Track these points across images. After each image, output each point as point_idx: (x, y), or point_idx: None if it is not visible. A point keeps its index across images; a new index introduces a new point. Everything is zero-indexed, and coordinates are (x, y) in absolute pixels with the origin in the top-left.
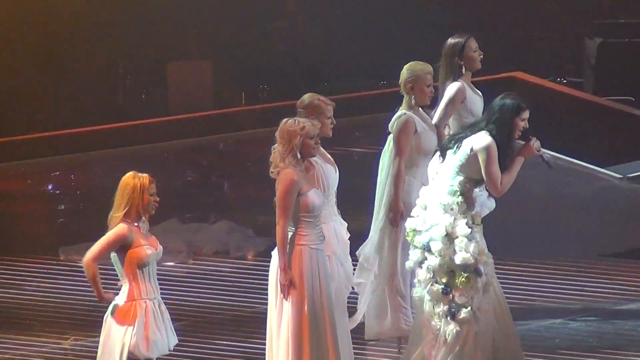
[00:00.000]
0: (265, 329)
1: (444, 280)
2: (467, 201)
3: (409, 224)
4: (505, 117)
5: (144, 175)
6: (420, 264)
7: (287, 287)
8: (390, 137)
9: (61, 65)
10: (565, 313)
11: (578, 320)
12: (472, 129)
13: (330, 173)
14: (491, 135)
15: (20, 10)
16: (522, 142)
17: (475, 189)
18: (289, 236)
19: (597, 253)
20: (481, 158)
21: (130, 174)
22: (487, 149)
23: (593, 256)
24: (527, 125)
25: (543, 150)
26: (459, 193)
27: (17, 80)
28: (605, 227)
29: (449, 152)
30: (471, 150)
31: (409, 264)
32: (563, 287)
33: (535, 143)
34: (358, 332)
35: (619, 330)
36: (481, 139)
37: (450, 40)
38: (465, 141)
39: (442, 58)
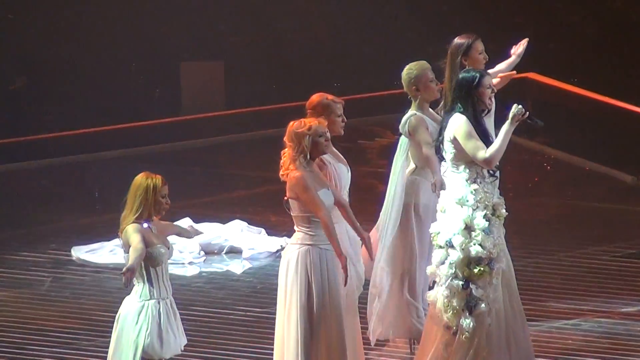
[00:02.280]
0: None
1: (465, 274)
2: (482, 187)
3: (433, 228)
4: (468, 90)
5: (157, 176)
6: (442, 263)
7: (345, 270)
8: (401, 140)
9: (73, 65)
10: (577, 314)
11: (590, 321)
12: (446, 116)
13: (343, 172)
14: (462, 113)
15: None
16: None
17: (487, 175)
18: (300, 236)
19: (609, 254)
20: (458, 137)
21: (143, 174)
22: (460, 126)
23: (605, 257)
24: (495, 91)
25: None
26: (469, 182)
27: (26, 80)
28: (617, 228)
29: (442, 151)
30: (452, 135)
31: (431, 268)
32: (574, 288)
33: (516, 109)
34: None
35: (631, 331)
36: (453, 121)
37: (457, 40)
38: (445, 132)
39: (448, 57)
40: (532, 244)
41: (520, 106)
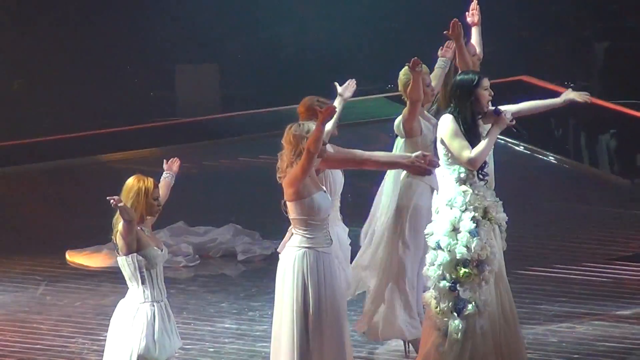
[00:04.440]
0: (271, 332)
1: (453, 276)
2: (473, 189)
3: (427, 229)
4: (468, 90)
5: (149, 178)
6: (432, 263)
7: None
8: (397, 141)
9: (70, 69)
10: (571, 317)
11: (584, 324)
12: (438, 117)
13: (337, 178)
14: (452, 114)
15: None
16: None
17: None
18: (297, 239)
19: (604, 257)
20: (444, 137)
21: (134, 177)
22: (446, 126)
23: (599, 260)
24: (492, 93)
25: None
26: (459, 183)
27: (24, 83)
28: (612, 231)
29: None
30: (440, 137)
31: (425, 270)
32: (569, 291)
33: (507, 114)
34: (365, 335)
35: (625, 334)
36: (441, 121)
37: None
38: (437, 133)
39: None
40: (527, 247)
41: (509, 112)
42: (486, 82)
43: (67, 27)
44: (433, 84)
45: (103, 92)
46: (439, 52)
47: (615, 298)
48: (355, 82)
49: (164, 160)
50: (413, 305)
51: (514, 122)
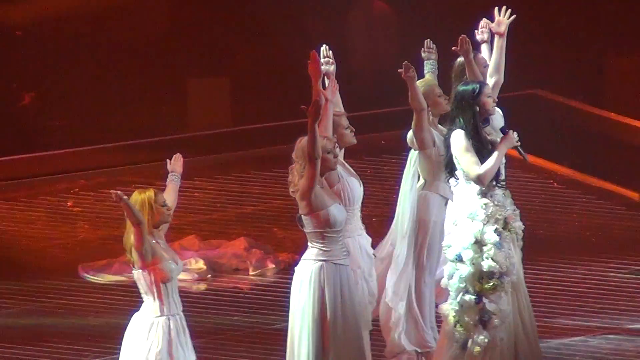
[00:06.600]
0: (284, 346)
1: (476, 289)
2: (493, 200)
3: (445, 241)
4: (470, 101)
5: (148, 188)
6: (451, 276)
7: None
8: (411, 154)
9: (81, 81)
10: (584, 330)
11: (597, 338)
12: (449, 132)
13: (355, 187)
14: (461, 128)
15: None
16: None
17: (497, 189)
18: (314, 252)
19: (616, 270)
20: (456, 153)
21: (135, 192)
22: (457, 142)
23: (612, 273)
24: (496, 100)
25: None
26: (480, 196)
27: (35, 96)
28: (625, 244)
29: (453, 165)
30: (453, 152)
31: (444, 281)
32: (582, 305)
33: (514, 134)
34: (380, 348)
35: (639, 348)
36: (453, 137)
37: (460, 60)
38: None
39: (453, 78)
40: (539, 260)
41: (515, 133)
42: (488, 89)
43: (77, 40)
44: None
45: (114, 105)
46: (423, 55)
47: (629, 311)
48: (336, 82)
49: (167, 161)
50: (427, 318)
51: (519, 144)
